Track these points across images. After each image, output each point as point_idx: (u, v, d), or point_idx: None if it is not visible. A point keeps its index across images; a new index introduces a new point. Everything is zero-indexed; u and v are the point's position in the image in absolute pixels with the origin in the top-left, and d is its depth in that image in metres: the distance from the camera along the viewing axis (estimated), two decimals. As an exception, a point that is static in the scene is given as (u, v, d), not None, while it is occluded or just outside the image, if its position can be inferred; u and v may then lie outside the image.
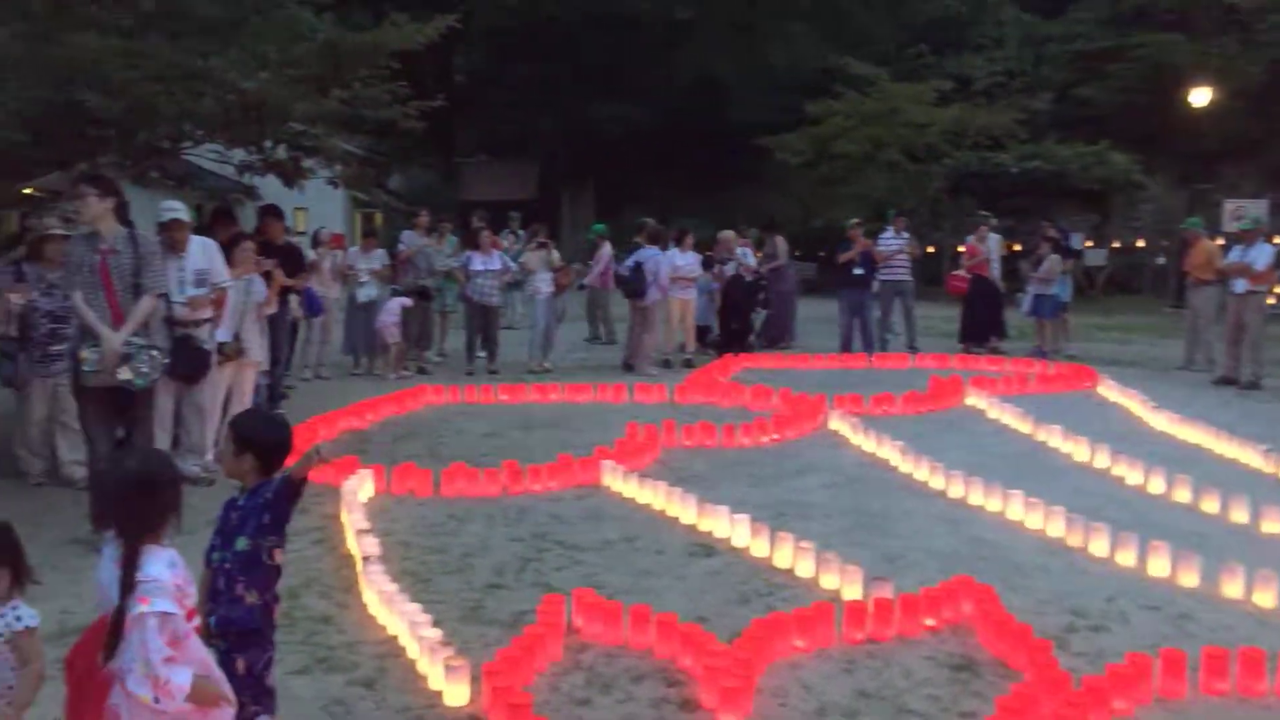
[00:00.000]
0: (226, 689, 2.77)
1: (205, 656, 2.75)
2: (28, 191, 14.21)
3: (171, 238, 6.82)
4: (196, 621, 2.83)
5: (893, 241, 14.31)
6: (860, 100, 24.40)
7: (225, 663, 3.04)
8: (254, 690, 3.12)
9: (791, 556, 5.44)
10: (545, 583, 5.19)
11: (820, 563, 5.26)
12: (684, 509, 6.30)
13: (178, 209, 7.06)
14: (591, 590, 4.75)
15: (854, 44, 27.63)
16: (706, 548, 5.79)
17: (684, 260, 12.85)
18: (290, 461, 3.20)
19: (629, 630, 4.44)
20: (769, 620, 4.46)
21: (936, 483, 7.05)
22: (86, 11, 7.56)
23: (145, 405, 5.81)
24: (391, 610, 4.50)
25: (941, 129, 23.99)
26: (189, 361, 6.85)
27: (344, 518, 5.96)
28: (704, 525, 6.10)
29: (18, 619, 2.73)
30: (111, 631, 2.59)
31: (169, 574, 2.67)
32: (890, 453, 7.79)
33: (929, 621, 4.65)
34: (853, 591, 4.97)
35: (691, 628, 4.34)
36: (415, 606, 4.46)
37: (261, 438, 3.20)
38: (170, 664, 2.58)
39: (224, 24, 7.98)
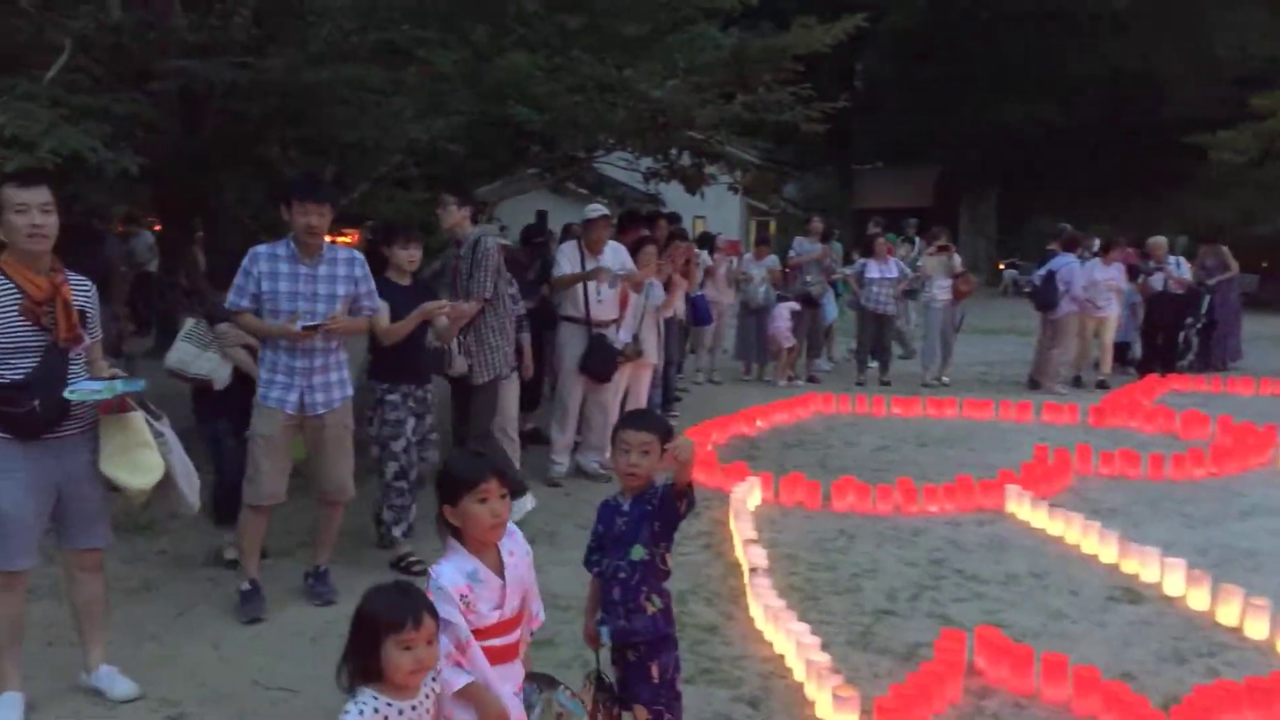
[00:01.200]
0: (511, 708, 2.63)
1: (489, 671, 2.61)
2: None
3: (590, 238, 7.13)
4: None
5: None
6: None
7: (639, 672, 2.98)
8: (668, 697, 3.02)
9: (1239, 613, 4.64)
10: (943, 614, 4.79)
11: (1278, 625, 4.44)
12: (1103, 546, 5.61)
13: (600, 209, 7.33)
14: (997, 629, 4.29)
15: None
16: (1131, 593, 5.09)
17: (1105, 274, 11.68)
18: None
19: (1041, 680, 3.95)
20: (1215, 688, 3.78)
21: None
22: (518, 34, 8.13)
23: (478, 401, 6.03)
24: (778, 627, 4.32)
25: None
26: (602, 360, 7.14)
27: (732, 525, 5.89)
28: (1127, 567, 5.39)
29: (435, 680, 2.59)
30: None
31: (460, 581, 2.56)
32: (1367, 500, 6.53)
33: None
34: (1323, 665, 4.14)
35: (1118, 686, 3.78)
36: (803, 626, 4.25)
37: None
38: (452, 664, 2.53)
39: (641, 39, 8.25)
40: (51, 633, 4.23)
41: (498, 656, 2.65)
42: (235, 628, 4.50)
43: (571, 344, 7.18)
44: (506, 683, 2.67)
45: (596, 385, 7.27)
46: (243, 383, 5.15)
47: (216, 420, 5.30)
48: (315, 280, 4.57)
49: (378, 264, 5.30)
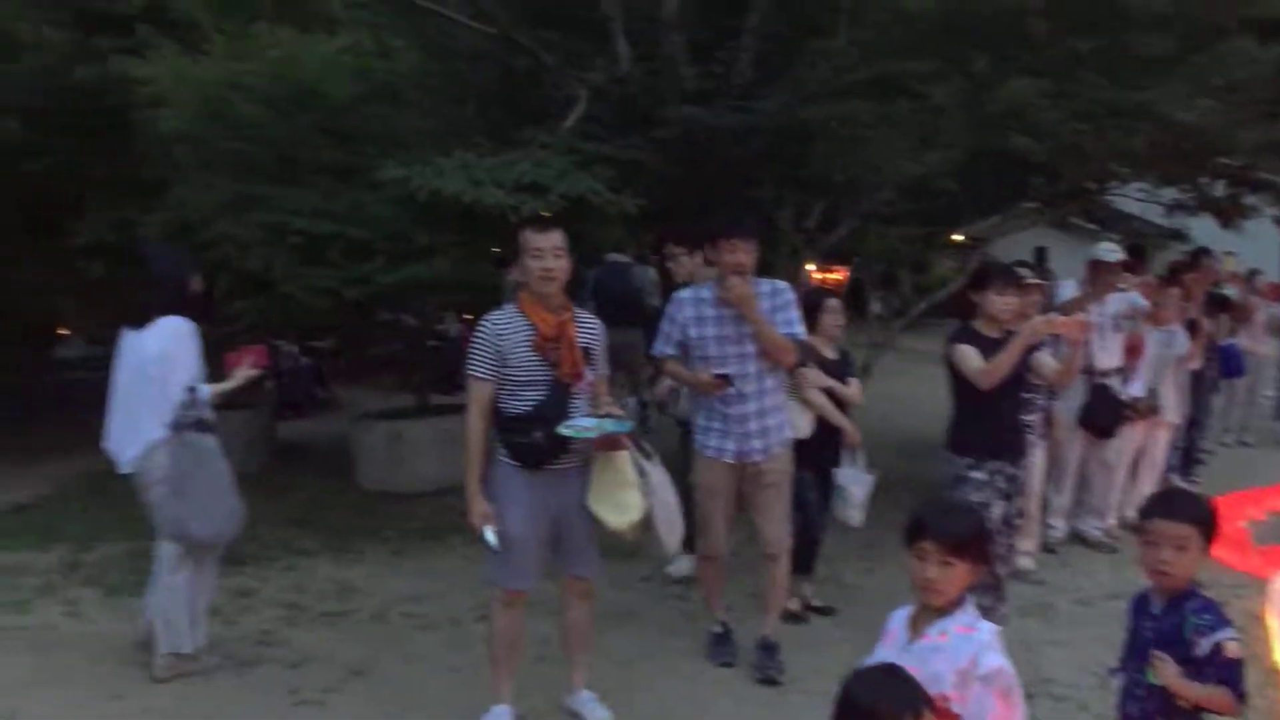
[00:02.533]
0: None
1: None
2: (957, 238, 15.18)
3: (1098, 281, 6.38)
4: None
5: None
6: None
7: None
8: None
9: None
10: None
11: None
12: None
13: (1114, 252, 6.47)
14: None
15: None
16: None
17: None
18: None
19: None
20: None
21: None
22: (1021, 61, 7.59)
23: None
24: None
25: None
26: (1105, 413, 6.40)
27: (1271, 623, 4.92)
28: None
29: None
30: None
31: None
32: None
33: None
34: None
35: None
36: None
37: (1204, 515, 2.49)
38: None
39: (1164, 58, 7.32)
40: (544, 649, 4.48)
41: None
42: (705, 667, 4.51)
43: (1070, 394, 6.47)
44: None
45: (1098, 442, 6.52)
46: (824, 430, 4.93)
47: (800, 472, 4.74)
48: (741, 322, 4.35)
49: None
